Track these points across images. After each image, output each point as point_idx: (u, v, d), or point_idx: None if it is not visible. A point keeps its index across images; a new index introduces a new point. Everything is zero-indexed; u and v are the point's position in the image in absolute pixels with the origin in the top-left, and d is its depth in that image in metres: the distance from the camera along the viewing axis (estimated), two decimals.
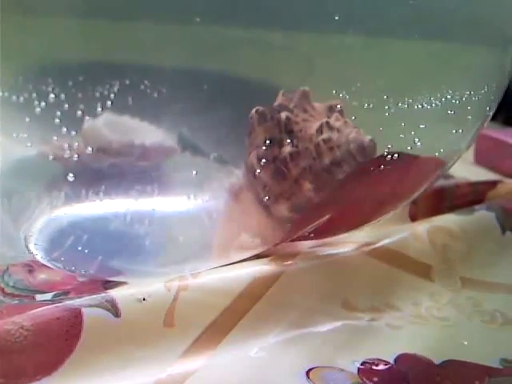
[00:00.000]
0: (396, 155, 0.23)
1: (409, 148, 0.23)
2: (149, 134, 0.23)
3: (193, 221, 0.24)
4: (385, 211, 0.27)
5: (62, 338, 0.20)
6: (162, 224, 0.25)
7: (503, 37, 0.25)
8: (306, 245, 0.26)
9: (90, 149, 0.22)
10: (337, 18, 0.20)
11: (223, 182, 0.24)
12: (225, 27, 0.20)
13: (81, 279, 0.25)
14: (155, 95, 0.20)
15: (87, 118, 0.21)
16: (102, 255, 0.24)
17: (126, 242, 0.24)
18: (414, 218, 0.33)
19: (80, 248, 0.23)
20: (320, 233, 0.25)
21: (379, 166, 0.23)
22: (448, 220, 0.31)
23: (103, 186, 0.23)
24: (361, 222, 0.26)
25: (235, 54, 0.21)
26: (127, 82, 0.20)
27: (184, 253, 0.25)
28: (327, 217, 0.24)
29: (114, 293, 0.22)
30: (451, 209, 0.33)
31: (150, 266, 0.25)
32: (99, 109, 0.21)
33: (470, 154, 0.47)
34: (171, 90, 0.21)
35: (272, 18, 0.20)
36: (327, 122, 0.22)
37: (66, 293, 0.24)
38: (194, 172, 0.23)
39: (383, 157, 0.22)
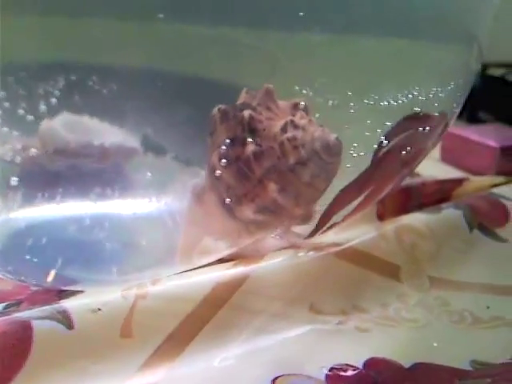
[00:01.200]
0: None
1: (375, 146, 0.22)
2: (109, 134, 0.22)
3: (155, 224, 0.24)
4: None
5: (9, 353, 0.19)
6: (122, 228, 0.24)
7: (468, 34, 0.25)
8: (271, 248, 0.25)
9: (46, 150, 0.21)
10: (302, 14, 0.20)
11: (187, 184, 0.23)
12: (187, 25, 0.20)
13: (34, 288, 0.24)
14: (115, 94, 0.20)
15: (45, 118, 0.20)
16: (56, 264, 0.23)
17: (84, 249, 0.23)
18: (381, 217, 0.32)
19: (31, 257, 0.22)
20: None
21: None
22: (416, 219, 0.31)
23: (60, 189, 0.22)
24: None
25: (198, 51, 0.20)
26: (83, 80, 0.20)
27: (146, 259, 0.24)
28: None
29: (67, 303, 0.21)
30: (419, 207, 0.33)
31: (109, 275, 0.24)
32: (57, 109, 0.20)
33: (436, 152, 0.47)
34: (132, 90, 0.20)
35: (235, 15, 0.20)
36: (292, 121, 0.22)
37: (19, 303, 0.23)
38: (157, 173, 0.22)
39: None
